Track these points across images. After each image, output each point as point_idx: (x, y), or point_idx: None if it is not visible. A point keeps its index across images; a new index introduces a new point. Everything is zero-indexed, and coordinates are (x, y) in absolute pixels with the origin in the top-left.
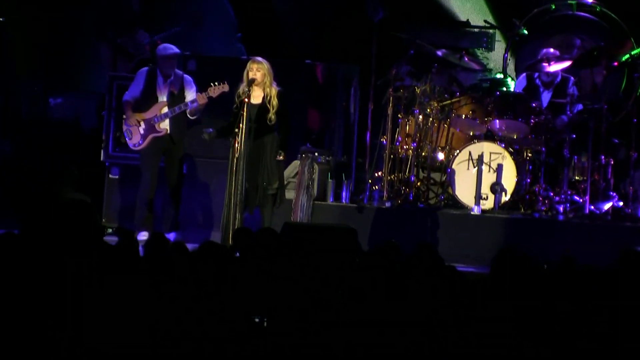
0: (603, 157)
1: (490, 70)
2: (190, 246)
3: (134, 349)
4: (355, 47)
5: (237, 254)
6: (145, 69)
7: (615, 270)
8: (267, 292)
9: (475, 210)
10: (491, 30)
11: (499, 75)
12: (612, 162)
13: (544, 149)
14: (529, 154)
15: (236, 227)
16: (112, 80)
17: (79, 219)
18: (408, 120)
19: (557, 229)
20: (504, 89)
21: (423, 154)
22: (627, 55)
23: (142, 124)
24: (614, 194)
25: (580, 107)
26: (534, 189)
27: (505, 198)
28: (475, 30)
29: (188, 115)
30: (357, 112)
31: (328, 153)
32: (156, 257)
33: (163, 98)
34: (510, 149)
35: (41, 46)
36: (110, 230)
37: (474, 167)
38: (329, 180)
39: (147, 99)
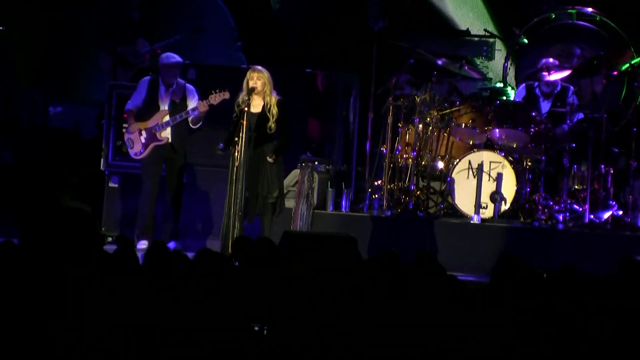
0: (603, 166)
1: (490, 79)
2: (190, 255)
3: (133, 357)
4: (356, 55)
5: (237, 263)
6: (147, 77)
7: (614, 279)
8: (266, 301)
9: (475, 219)
10: (491, 39)
11: (499, 84)
12: (612, 171)
13: (543, 157)
14: (529, 163)
15: (236, 235)
16: (112, 89)
17: (78, 228)
18: (408, 129)
19: (557, 237)
20: (504, 98)
21: (423, 162)
22: (627, 65)
23: (144, 133)
24: (614, 203)
25: (580, 116)
26: (533, 197)
27: (504, 207)
28: (475, 39)
29: (190, 124)
30: (356, 121)
31: (328, 162)
32: (154, 265)
33: (165, 107)
34: (510, 157)
35: (41, 55)
36: (110, 239)
37: (474, 176)
38: (329, 189)
39: (149, 108)
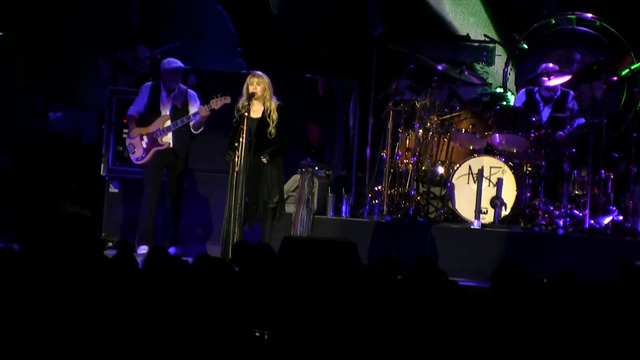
0: (603, 171)
1: (490, 84)
2: (190, 260)
3: None
4: (356, 61)
5: (237, 268)
6: (149, 83)
7: (615, 284)
8: (265, 306)
9: (475, 224)
10: (491, 45)
11: (499, 90)
12: (612, 176)
13: (543, 163)
14: (529, 168)
15: (236, 241)
16: (112, 95)
17: (78, 233)
18: (408, 135)
19: (557, 243)
20: (504, 103)
21: (423, 168)
22: (627, 70)
23: (145, 138)
24: (614, 208)
25: (580, 121)
26: (533, 203)
27: (505, 212)
28: (475, 44)
29: (192, 130)
30: (357, 126)
31: (328, 167)
32: (154, 270)
33: (166, 112)
34: (510, 163)
35: (41, 60)
36: (110, 244)
37: (474, 181)
38: (329, 194)
39: (151, 113)
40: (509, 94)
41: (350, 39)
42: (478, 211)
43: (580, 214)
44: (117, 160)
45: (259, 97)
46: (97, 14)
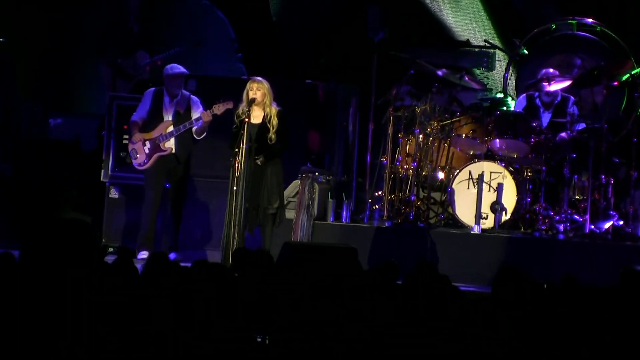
0: (603, 176)
1: (491, 89)
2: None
3: None
4: (356, 66)
5: (237, 274)
6: (152, 89)
7: (615, 289)
8: (266, 311)
9: (476, 230)
10: (491, 50)
11: (499, 95)
12: (613, 181)
13: (544, 168)
14: (529, 173)
15: (236, 246)
16: (111, 101)
17: (78, 239)
18: (408, 140)
19: (558, 248)
20: (504, 108)
21: (423, 173)
22: (628, 75)
23: (147, 143)
24: (614, 213)
25: (581, 126)
26: (534, 208)
27: (505, 217)
28: (476, 49)
29: (194, 135)
30: (357, 132)
31: (328, 173)
32: (153, 276)
33: (169, 117)
34: (511, 168)
35: (41, 67)
36: (111, 250)
37: (474, 186)
38: (329, 199)
39: (153, 119)
40: (509, 99)
41: (350, 45)
42: (478, 216)
43: (581, 219)
44: (118, 166)
45: (259, 103)
46: (97, 21)
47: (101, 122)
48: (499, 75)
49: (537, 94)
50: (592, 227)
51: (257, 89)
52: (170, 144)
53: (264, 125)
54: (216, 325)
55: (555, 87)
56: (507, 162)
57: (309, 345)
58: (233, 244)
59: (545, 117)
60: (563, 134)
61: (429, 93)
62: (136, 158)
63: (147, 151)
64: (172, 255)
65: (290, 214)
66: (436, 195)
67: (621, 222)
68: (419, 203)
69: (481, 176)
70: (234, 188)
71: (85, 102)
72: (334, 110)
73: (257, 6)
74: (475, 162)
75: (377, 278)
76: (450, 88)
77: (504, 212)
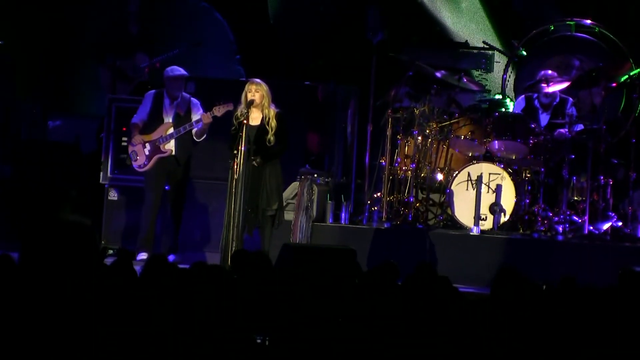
0: (602, 177)
1: (489, 91)
2: None
3: None
4: (355, 68)
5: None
6: (152, 91)
7: (614, 290)
8: (265, 313)
9: (474, 231)
10: (490, 52)
11: (498, 96)
12: (611, 182)
13: (542, 169)
14: (528, 175)
15: (235, 248)
16: (110, 103)
17: (77, 241)
18: (407, 141)
19: (556, 249)
20: (503, 109)
21: (422, 174)
22: (626, 76)
23: (148, 145)
24: (613, 214)
25: (579, 127)
26: (533, 209)
27: (504, 218)
28: (474, 51)
29: (194, 137)
30: (356, 133)
31: (327, 174)
32: (151, 278)
33: (169, 119)
34: (509, 169)
35: (40, 69)
36: (111, 252)
37: (473, 187)
38: (328, 201)
39: (154, 121)
40: (507, 100)
41: (349, 46)
42: (477, 218)
43: (580, 220)
44: (117, 168)
45: (258, 105)
46: (96, 22)
47: (100, 123)
48: (497, 76)
49: (535, 95)
50: (591, 228)
51: (256, 91)
52: (170, 145)
53: (262, 127)
54: (215, 327)
55: (553, 88)
56: (505, 164)
57: (309, 346)
58: (232, 245)
59: (544, 119)
60: (562, 130)
61: (428, 94)
62: (136, 160)
63: (147, 153)
64: (171, 257)
65: (289, 215)
66: (435, 196)
67: (620, 223)
68: (417, 204)
69: (480, 177)
70: (233, 190)
71: (84, 104)
72: (333, 111)
73: (255, 8)
74: (474, 164)
75: (377, 279)
76: (449, 89)
77: (502, 214)
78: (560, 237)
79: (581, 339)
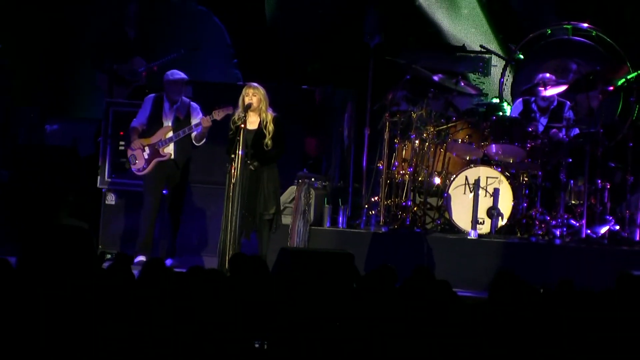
0: (599, 181)
1: (487, 94)
2: None
3: None
4: (352, 71)
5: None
6: (152, 95)
7: (612, 293)
8: (263, 317)
9: (472, 235)
10: (487, 55)
11: (495, 100)
12: (609, 186)
13: (540, 173)
14: (526, 178)
15: (233, 252)
16: (108, 107)
17: (75, 245)
18: (404, 145)
19: (554, 253)
20: (500, 113)
21: (419, 178)
22: (623, 80)
23: (147, 149)
24: (611, 217)
25: (575, 131)
26: (530, 213)
27: (501, 222)
28: (472, 55)
29: (194, 142)
30: (353, 137)
31: (325, 178)
32: (147, 282)
33: (168, 123)
34: (507, 173)
35: (38, 73)
36: (109, 256)
37: (471, 191)
38: (326, 205)
39: (153, 124)
40: (505, 104)
41: (346, 50)
42: (475, 221)
43: (577, 224)
44: (114, 173)
45: (255, 109)
46: (94, 27)
47: (98, 127)
48: (494, 80)
49: (533, 98)
50: (589, 231)
51: (253, 95)
52: (170, 149)
53: (260, 131)
54: (213, 331)
55: (551, 92)
56: (503, 167)
57: (307, 350)
58: (229, 249)
59: (542, 122)
60: (556, 131)
61: (425, 98)
62: (135, 163)
63: (146, 157)
64: (168, 262)
65: (286, 219)
66: (432, 200)
67: (617, 227)
68: (415, 208)
69: (477, 181)
70: (230, 194)
71: (82, 108)
72: (331, 115)
73: (253, 12)
74: (471, 167)
75: (375, 283)
76: (446, 93)
77: (500, 217)
78: (557, 241)
79: (579, 342)
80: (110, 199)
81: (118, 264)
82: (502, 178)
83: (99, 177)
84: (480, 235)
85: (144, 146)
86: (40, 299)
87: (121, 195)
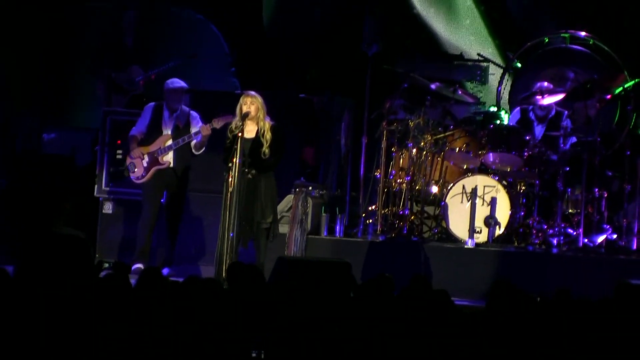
0: (597, 189)
1: (484, 103)
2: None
3: None
4: (350, 80)
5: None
6: (152, 104)
7: (609, 303)
8: (260, 326)
9: (469, 244)
10: (485, 63)
11: (493, 109)
12: (606, 195)
13: (537, 181)
14: (523, 187)
15: (230, 261)
16: (105, 116)
17: (72, 254)
18: (402, 154)
19: (551, 261)
20: (498, 122)
21: (417, 187)
22: (620, 88)
23: (146, 157)
24: (608, 226)
25: (573, 139)
26: (527, 221)
27: (499, 231)
28: (469, 63)
29: (193, 150)
30: (350, 146)
31: (322, 187)
32: (145, 291)
33: (168, 131)
34: (504, 182)
35: (35, 82)
36: (107, 265)
37: (468, 200)
38: (323, 214)
39: (153, 133)
40: (502, 112)
41: (344, 58)
42: (472, 230)
43: (574, 233)
44: (111, 181)
45: (253, 117)
46: (91, 36)
47: (96, 136)
48: (492, 88)
49: (531, 107)
50: (586, 240)
51: (251, 103)
52: (169, 157)
53: (257, 140)
54: (211, 340)
55: (548, 100)
56: (500, 176)
57: (304, 358)
58: (227, 258)
59: (539, 131)
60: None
61: (423, 107)
62: (134, 171)
63: (145, 165)
64: (166, 270)
65: (284, 228)
66: (430, 209)
67: (615, 236)
68: (412, 217)
69: (475, 190)
70: (228, 202)
71: (79, 116)
72: (328, 124)
73: (251, 21)
74: (468, 176)
75: (372, 291)
76: (444, 102)
77: (497, 226)
78: (554, 250)
79: (576, 351)
80: (108, 208)
81: (115, 273)
82: (500, 187)
83: (96, 186)
84: (477, 244)
85: (143, 154)
86: (38, 308)
87: (118, 204)
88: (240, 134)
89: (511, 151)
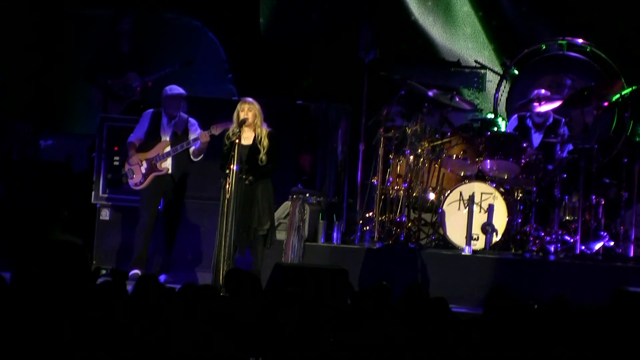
0: (594, 196)
1: (481, 110)
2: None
3: None
4: (347, 87)
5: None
6: (150, 110)
7: (606, 309)
8: (257, 333)
9: (466, 251)
10: (482, 70)
11: (490, 115)
12: (603, 202)
13: (534, 189)
14: (520, 194)
15: (227, 268)
16: (102, 122)
17: (69, 261)
18: (399, 161)
19: (548, 269)
20: (495, 129)
21: (414, 194)
22: (618, 95)
23: (144, 163)
24: (605, 233)
25: (571, 147)
26: (525, 229)
27: (496, 238)
28: (466, 70)
29: (192, 157)
30: (347, 153)
31: (319, 194)
32: (141, 298)
33: (166, 138)
34: (501, 189)
35: (32, 88)
36: (104, 272)
37: (465, 207)
38: (320, 221)
39: (151, 139)
40: (499, 119)
41: (341, 65)
42: (469, 237)
43: (572, 240)
44: (109, 188)
45: (250, 124)
46: (88, 42)
47: (92, 143)
48: (489, 95)
49: (528, 114)
50: (583, 247)
51: (248, 110)
52: (167, 164)
53: (254, 147)
54: (208, 347)
55: (545, 107)
56: (497, 183)
57: None
58: (224, 265)
59: (536, 138)
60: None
61: (420, 114)
62: (132, 178)
63: (143, 171)
64: (162, 277)
65: (281, 235)
66: (427, 216)
67: (612, 243)
68: (409, 224)
69: (472, 197)
70: (225, 209)
71: (76, 123)
72: (325, 131)
73: (248, 28)
74: (466, 183)
75: (370, 299)
76: (441, 108)
77: (494, 233)
78: (552, 257)
79: (573, 358)
80: (105, 215)
81: (112, 280)
82: (497, 194)
83: (93, 193)
84: (474, 251)
85: (141, 161)
86: (35, 315)
87: (116, 211)
88: (237, 141)
89: (508, 158)
